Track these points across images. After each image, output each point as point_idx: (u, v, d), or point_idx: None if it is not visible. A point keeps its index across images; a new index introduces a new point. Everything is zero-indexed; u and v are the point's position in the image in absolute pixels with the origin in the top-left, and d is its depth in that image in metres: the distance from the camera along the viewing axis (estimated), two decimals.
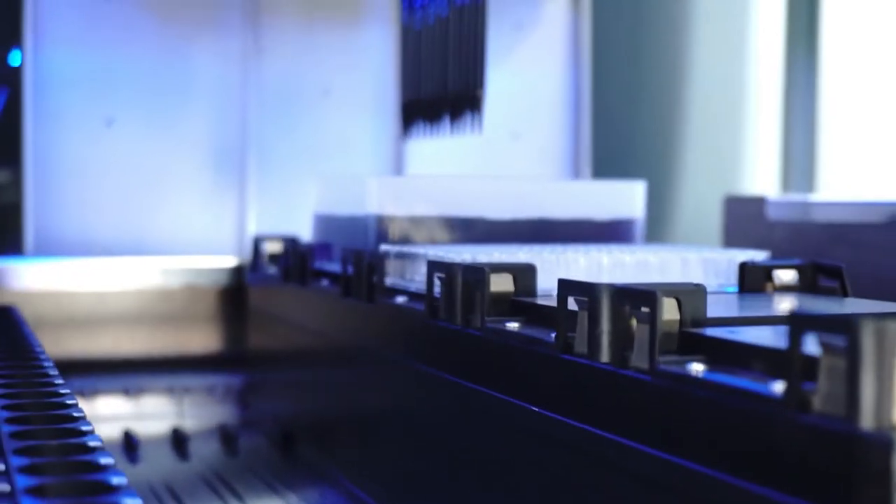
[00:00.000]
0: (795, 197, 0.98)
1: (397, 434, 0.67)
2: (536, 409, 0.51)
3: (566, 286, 0.50)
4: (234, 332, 1.05)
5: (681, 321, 0.45)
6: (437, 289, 0.62)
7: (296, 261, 0.85)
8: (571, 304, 0.50)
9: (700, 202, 1.38)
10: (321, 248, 0.85)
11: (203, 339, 1.06)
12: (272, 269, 0.96)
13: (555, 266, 0.64)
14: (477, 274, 0.58)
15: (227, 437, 0.93)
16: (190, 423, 0.98)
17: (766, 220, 0.94)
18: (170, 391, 1.01)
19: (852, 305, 0.59)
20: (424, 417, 0.63)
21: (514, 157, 1.16)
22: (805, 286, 0.65)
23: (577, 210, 0.81)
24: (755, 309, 0.58)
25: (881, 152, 1.33)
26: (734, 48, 1.41)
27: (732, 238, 0.97)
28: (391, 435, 0.68)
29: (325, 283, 0.83)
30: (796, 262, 0.65)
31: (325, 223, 0.87)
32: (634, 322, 0.46)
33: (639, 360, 0.45)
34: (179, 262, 1.06)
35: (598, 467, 0.46)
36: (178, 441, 0.93)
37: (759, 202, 0.95)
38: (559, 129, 1.20)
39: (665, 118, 1.42)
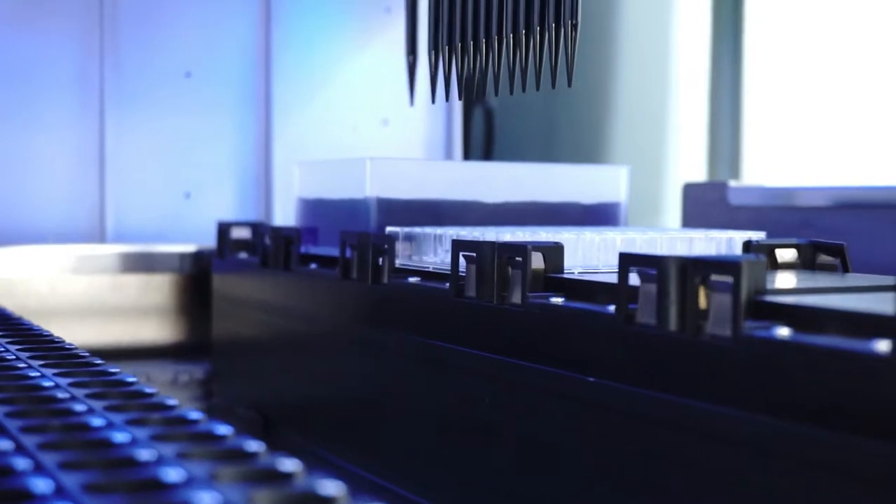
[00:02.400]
0: (756, 183, 1.03)
1: (422, 419, 0.68)
2: (594, 380, 0.54)
3: (629, 259, 0.52)
4: (195, 321, 1.05)
5: (750, 290, 0.48)
6: (462, 268, 0.64)
7: (278, 245, 0.86)
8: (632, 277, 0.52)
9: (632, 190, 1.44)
10: (307, 233, 0.86)
11: (161, 328, 1.05)
12: (243, 255, 0.96)
13: (573, 245, 0.67)
14: (516, 252, 0.60)
15: None
16: None
17: (727, 204, 0.99)
18: None
19: (855, 280, 0.64)
20: (453, 398, 0.65)
21: (384, 142, 1.19)
22: (805, 264, 0.69)
23: (565, 193, 0.84)
24: (789, 282, 0.61)
25: (805, 140, 1.40)
26: (659, 38, 1.47)
27: (692, 222, 1.01)
28: (414, 421, 0.69)
29: (314, 266, 0.84)
30: (796, 241, 0.69)
31: (312, 208, 0.88)
32: (702, 292, 0.49)
33: (717, 327, 0.48)
34: (133, 249, 1.05)
35: (672, 433, 0.49)
36: None
37: (719, 188, 1.00)
38: (431, 114, 1.24)
39: (586, 105, 1.46)
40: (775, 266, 0.69)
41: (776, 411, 0.44)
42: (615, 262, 0.68)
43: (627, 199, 0.86)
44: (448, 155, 1.21)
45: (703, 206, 1.01)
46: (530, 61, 0.68)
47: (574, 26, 0.63)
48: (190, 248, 1.06)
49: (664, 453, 0.49)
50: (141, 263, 1.05)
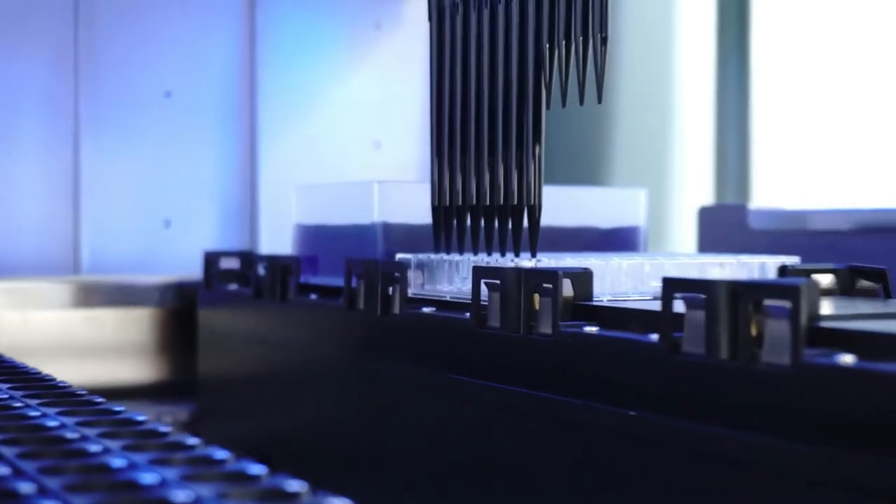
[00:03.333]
0: (776, 205, 1.04)
1: (443, 462, 0.68)
2: (635, 413, 0.54)
3: (673, 284, 0.53)
4: (179, 358, 1.04)
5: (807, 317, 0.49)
6: (483, 296, 0.65)
7: (274, 275, 0.86)
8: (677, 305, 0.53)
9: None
10: (306, 261, 0.86)
11: (140, 368, 1.05)
12: (233, 286, 0.96)
13: (601, 271, 0.67)
14: (545, 278, 0.61)
15: None
16: None
17: (746, 228, 1.00)
18: None
19: None
20: (477, 436, 0.65)
21: (375, 166, 1.21)
22: (843, 290, 0.70)
23: (580, 217, 0.84)
24: (833, 308, 0.62)
25: (818, 159, 1.42)
26: (661, 53, 1.49)
27: (709, 247, 1.03)
28: (433, 465, 0.69)
29: (313, 297, 0.84)
30: (833, 265, 0.71)
31: (311, 235, 0.88)
32: (753, 318, 0.50)
33: (774, 355, 0.48)
34: (110, 281, 1.05)
35: (725, 468, 0.49)
36: None
37: (737, 210, 1.01)
38: (424, 136, 1.26)
39: (584, 124, 1.48)
40: None
41: (839, 443, 0.44)
42: (645, 288, 0.69)
43: (647, 224, 0.87)
44: None
45: (720, 229, 1.02)
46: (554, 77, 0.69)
47: (604, 40, 0.64)
48: (171, 279, 1.06)
49: (717, 490, 0.50)
50: (118, 297, 1.05)
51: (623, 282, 0.68)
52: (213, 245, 1.13)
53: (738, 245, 0.99)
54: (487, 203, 0.72)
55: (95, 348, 1.04)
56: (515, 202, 0.71)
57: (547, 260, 0.69)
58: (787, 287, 0.48)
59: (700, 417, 0.51)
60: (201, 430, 1.00)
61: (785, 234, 0.98)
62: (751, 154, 1.48)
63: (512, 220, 0.72)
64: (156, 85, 1.16)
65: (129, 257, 1.15)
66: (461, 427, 0.67)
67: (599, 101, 0.70)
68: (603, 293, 0.67)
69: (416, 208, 0.80)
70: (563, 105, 0.77)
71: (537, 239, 0.70)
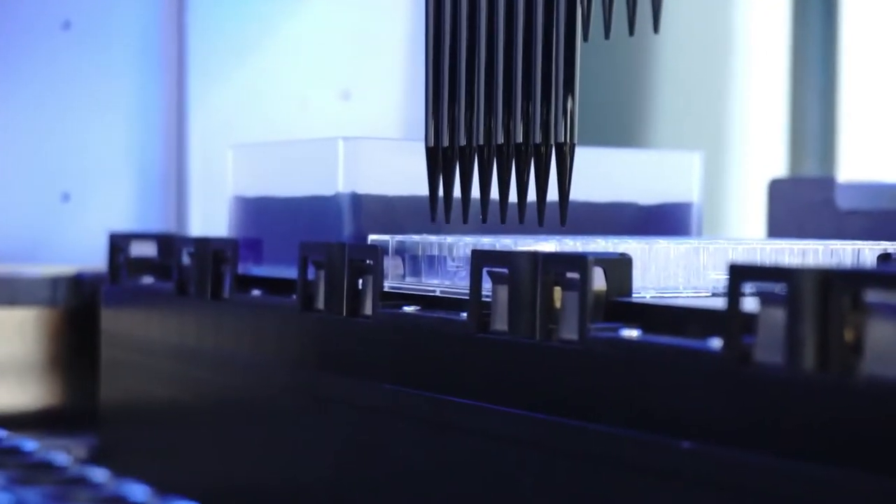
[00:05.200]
0: (875, 179, 1.04)
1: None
2: (689, 446, 0.54)
3: (743, 272, 0.52)
4: (74, 375, 1.04)
5: None
6: (486, 290, 0.64)
7: (203, 264, 0.86)
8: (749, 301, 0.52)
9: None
10: (247, 246, 0.86)
11: (23, 388, 1.04)
12: (148, 280, 0.96)
13: (643, 258, 0.67)
14: (570, 266, 0.60)
15: None
16: None
17: (834, 207, 1.00)
18: None
19: None
20: (477, 475, 0.65)
21: (344, 122, 1.21)
22: None
23: (614, 189, 0.84)
24: None
25: None
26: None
27: (782, 230, 1.03)
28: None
29: (256, 294, 0.83)
30: None
31: (254, 210, 0.88)
32: (852, 317, 0.49)
33: (879, 365, 0.48)
34: None
35: None
36: None
37: (823, 184, 1.01)
38: (406, 84, 1.25)
39: (620, 74, 1.48)
40: None
41: None
42: (702, 281, 0.69)
43: (702, 198, 0.87)
44: None
45: (799, 208, 1.02)
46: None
47: None
48: (66, 270, 1.05)
49: None
50: None
51: (672, 272, 0.67)
52: (128, 225, 1.13)
53: (823, 228, 0.99)
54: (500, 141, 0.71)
55: None
56: (539, 139, 0.70)
57: (572, 243, 0.68)
58: (894, 277, 0.47)
59: (782, 450, 0.50)
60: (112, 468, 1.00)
61: (885, 215, 0.98)
62: (838, 115, 1.48)
63: (536, 164, 0.71)
64: (51, 13, 1.15)
65: (15, 242, 1.14)
66: (456, 466, 0.66)
67: (656, 30, 0.69)
68: (646, 287, 0.66)
69: (395, 174, 0.79)
70: (607, 36, 0.76)
71: (568, 195, 0.69)
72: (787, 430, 0.50)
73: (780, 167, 1.46)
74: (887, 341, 0.48)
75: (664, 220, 0.86)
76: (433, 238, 0.72)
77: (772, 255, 0.71)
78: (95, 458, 1.01)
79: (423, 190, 0.80)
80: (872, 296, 0.49)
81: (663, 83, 1.47)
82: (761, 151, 1.49)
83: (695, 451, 0.54)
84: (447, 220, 0.74)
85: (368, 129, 1.21)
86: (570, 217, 0.80)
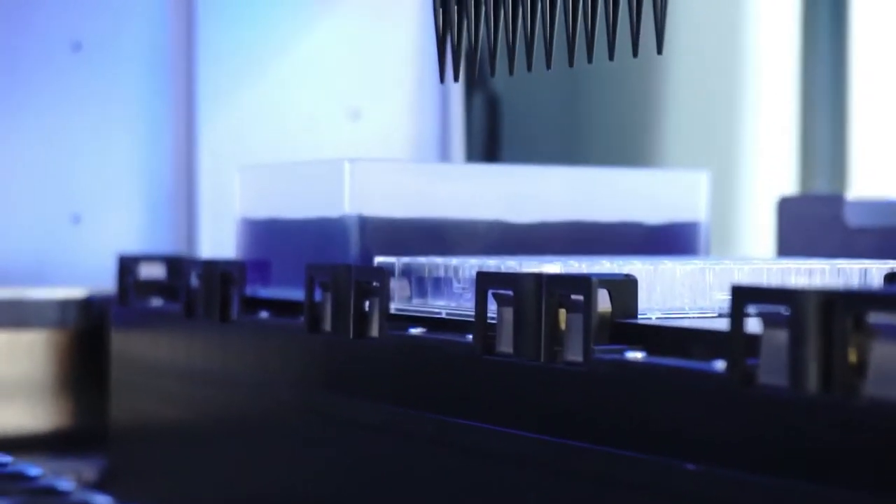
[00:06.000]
0: (886, 196, 1.04)
1: None
2: (695, 468, 0.54)
3: (745, 294, 0.52)
4: (85, 397, 1.04)
5: None
6: (491, 312, 0.64)
7: (211, 286, 0.86)
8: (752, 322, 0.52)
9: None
10: (254, 268, 0.86)
11: (33, 410, 1.04)
12: (156, 301, 0.96)
13: (649, 279, 0.67)
14: (574, 287, 0.60)
15: None
16: None
17: (843, 225, 0.99)
18: None
19: None
20: (483, 498, 0.65)
21: (354, 142, 1.20)
22: None
23: (621, 209, 0.84)
24: None
25: None
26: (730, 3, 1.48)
27: (791, 247, 1.02)
28: None
29: (264, 315, 0.84)
30: None
31: (261, 232, 0.88)
32: (854, 340, 0.49)
33: (882, 386, 0.48)
34: None
35: None
36: None
37: (832, 202, 1.01)
38: (417, 104, 1.25)
39: (626, 91, 1.47)
40: None
41: None
42: (708, 302, 0.69)
43: (709, 218, 0.87)
44: (444, 159, 1.22)
45: (808, 226, 1.02)
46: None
47: None
48: (75, 293, 1.05)
49: None
50: (4, 316, 1.05)
51: (678, 293, 0.67)
52: (138, 247, 1.13)
53: (832, 247, 0.99)
54: None
55: None
56: None
57: (577, 265, 0.68)
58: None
59: (784, 471, 0.50)
60: (113, 494, 1.00)
61: (895, 232, 0.98)
62: (849, 131, 1.48)
63: None
64: (61, 35, 1.16)
65: (25, 264, 1.14)
66: (460, 487, 0.66)
67: (659, 51, 0.70)
68: (651, 308, 0.66)
69: (402, 196, 0.79)
70: (611, 57, 0.77)
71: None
72: (791, 452, 0.50)
73: (790, 185, 1.46)
74: (890, 362, 0.48)
75: (672, 240, 0.86)
76: (439, 260, 0.72)
77: (778, 275, 0.71)
78: (105, 480, 1.01)
79: (429, 211, 0.80)
80: (876, 317, 0.49)
81: (673, 102, 1.47)
82: (772, 169, 1.48)
83: (699, 472, 0.54)
84: (455, 79, 0.73)
85: (377, 148, 1.21)
86: (576, 236, 0.81)
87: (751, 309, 0.52)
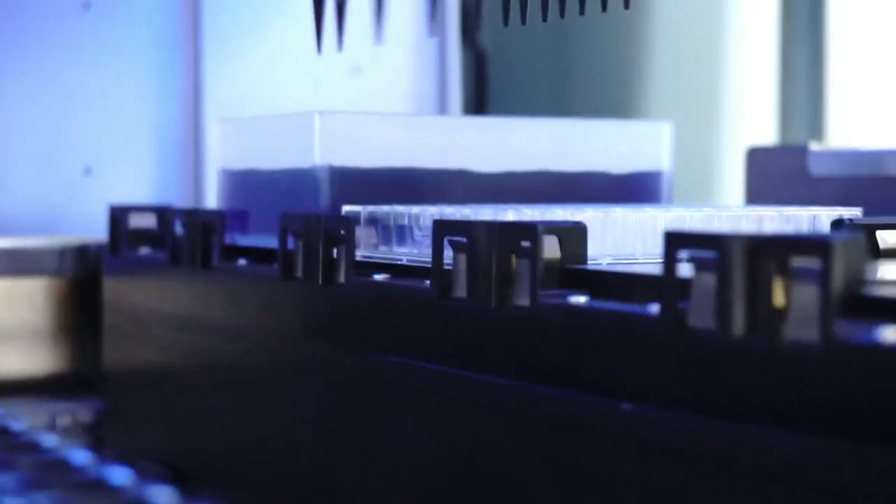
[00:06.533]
0: (847, 146, 1.03)
1: (397, 471, 0.68)
2: (629, 408, 0.54)
3: (677, 239, 0.52)
4: (80, 342, 1.04)
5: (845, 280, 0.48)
6: (448, 259, 0.64)
7: (193, 234, 0.86)
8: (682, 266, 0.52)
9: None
10: (233, 217, 0.86)
11: (32, 354, 1.05)
12: (144, 250, 0.96)
13: (600, 227, 0.67)
14: (521, 235, 0.60)
15: None
16: None
17: (807, 175, 0.99)
18: None
19: None
20: (440, 438, 0.65)
21: (355, 97, 1.20)
22: None
23: (587, 159, 0.84)
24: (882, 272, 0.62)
25: None
26: None
27: (760, 198, 1.02)
28: (385, 474, 0.69)
29: (242, 263, 0.84)
30: None
31: (239, 182, 0.88)
32: (780, 283, 0.49)
33: (801, 330, 0.48)
34: None
35: (745, 475, 0.49)
36: None
37: (797, 152, 1.00)
38: (415, 58, 1.24)
39: (611, 45, 1.47)
40: (877, 253, 0.69)
41: (886, 443, 0.44)
42: (657, 249, 0.68)
43: (672, 167, 0.86)
44: (442, 112, 1.21)
45: (775, 176, 1.01)
46: None
47: None
48: (72, 241, 1.06)
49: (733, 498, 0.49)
50: (4, 264, 1.05)
51: (630, 240, 0.67)
52: (148, 198, 1.13)
53: (797, 195, 0.99)
54: None
55: None
56: None
57: (530, 213, 0.68)
58: (817, 242, 0.47)
59: (711, 410, 0.50)
60: (107, 435, 1.00)
61: (858, 182, 0.97)
62: (826, 83, 1.47)
63: None
64: None
65: (38, 215, 1.14)
66: (422, 429, 0.66)
67: (626, 5, 0.69)
68: (603, 255, 0.66)
69: (372, 147, 0.79)
70: (581, 12, 0.76)
71: None
72: (719, 393, 0.50)
73: (769, 136, 1.46)
74: (809, 305, 0.47)
75: (636, 189, 0.86)
76: (401, 209, 0.72)
77: (727, 222, 0.70)
78: (98, 423, 1.01)
79: (399, 162, 0.80)
80: (799, 261, 0.48)
81: (655, 55, 1.47)
82: (752, 120, 1.48)
83: (634, 413, 0.54)
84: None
85: (379, 103, 1.21)
86: (543, 185, 0.81)
87: (682, 253, 0.52)
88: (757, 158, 1.04)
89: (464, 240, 0.63)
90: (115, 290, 0.99)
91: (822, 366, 0.46)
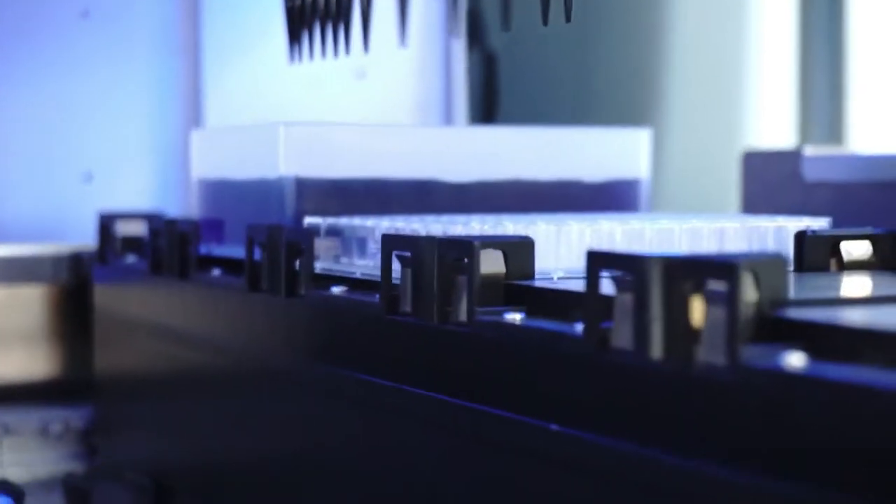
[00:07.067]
0: (842, 150, 1.01)
1: (349, 476, 0.68)
2: (557, 429, 0.53)
3: (599, 259, 0.51)
4: (72, 349, 1.04)
5: (759, 302, 0.47)
6: (396, 273, 0.63)
7: (171, 244, 0.85)
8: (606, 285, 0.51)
9: (691, 159, 1.42)
10: (209, 226, 0.85)
11: (25, 360, 1.05)
12: (131, 258, 0.96)
13: (553, 240, 0.66)
14: (460, 250, 0.59)
15: (74, 490, 0.93)
16: (16, 474, 0.98)
17: (801, 180, 0.97)
18: None
19: None
20: (385, 451, 0.64)
21: (358, 102, 1.19)
22: (882, 262, 0.68)
23: (561, 169, 0.82)
24: (831, 290, 0.60)
25: None
26: None
27: (755, 203, 1.00)
28: (340, 478, 0.69)
29: (216, 273, 0.83)
30: (871, 230, 0.68)
31: (213, 192, 0.88)
32: (699, 304, 0.48)
33: (711, 353, 0.46)
34: None
35: (659, 500, 0.48)
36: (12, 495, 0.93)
37: (791, 157, 0.98)
38: (420, 63, 1.23)
39: (632, 48, 1.45)
40: (841, 265, 0.68)
41: (788, 475, 0.42)
42: None
43: (650, 175, 0.85)
44: (448, 120, 1.20)
45: (769, 181, 0.99)
46: None
47: None
48: (65, 249, 1.06)
49: None
50: (1, 271, 1.05)
51: (580, 254, 0.66)
52: (149, 203, 1.13)
53: (791, 201, 0.96)
54: None
55: None
56: None
57: (480, 225, 0.67)
58: (723, 264, 0.46)
59: (630, 435, 0.49)
60: (99, 443, 1.00)
61: (853, 187, 0.95)
62: (847, 85, 1.44)
63: None
64: (69, 2, 1.16)
65: (37, 222, 1.14)
66: (372, 443, 0.66)
67: (568, 18, 0.68)
68: (555, 269, 0.65)
69: (339, 157, 0.79)
70: (545, 22, 0.75)
71: None
72: (638, 416, 0.49)
73: (790, 140, 1.43)
74: (718, 329, 0.46)
75: (613, 198, 0.84)
76: (357, 221, 0.71)
77: (689, 235, 0.69)
78: (91, 430, 1.01)
79: (367, 172, 0.79)
80: (714, 283, 0.47)
81: (675, 59, 1.45)
82: (775, 124, 1.46)
83: (561, 434, 0.53)
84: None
85: (383, 107, 1.20)
86: (515, 195, 0.79)
87: (605, 274, 0.51)
88: (752, 163, 1.02)
89: (408, 254, 0.62)
90: (105, 297, 0.99)
91: (728, 390, 0.45)
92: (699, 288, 0.48)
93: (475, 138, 0.83)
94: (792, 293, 0.56)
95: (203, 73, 1.18)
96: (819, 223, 0.71)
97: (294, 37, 0.74)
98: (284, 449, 0.74)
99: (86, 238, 1.12)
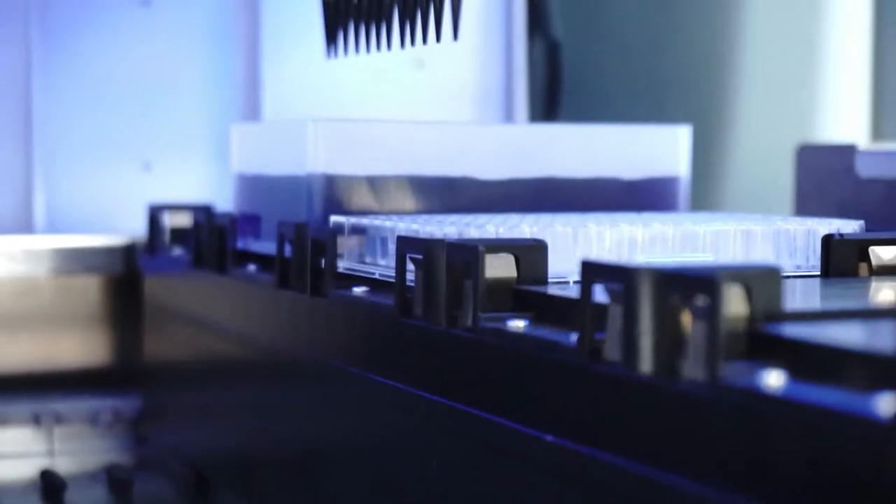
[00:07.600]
0: None
1: (356, 473, 0.68)
2: (550, 439, 0.52)
3: (592, 269, 0.50)
4: (124, 338, 1.05)
5: (750, 316, 0.46)
6: (410, 275, 0.63)
7: (210, 238, 0.86)
8: (601, 294, 0.50)
9: (756, 154, 1.40)
10: (246, 221, 0.85)
11: (79, 349, 1.06)
12: (177, 251, 0.96)
13: (571, 243, 0.65)
14: (466, 254, 0.58)
15: (116, 482, 0.94)
16: (65, 465, 0.98)
17: (855, 176, 0.95)
18: (35, 421, 1.01)
19: None
20: (392, 450, 0.64)
21: (416, 92, 1.18)
22: None
23: (597, 166, 0.81)
24: (846, 298, 0.59)
25: None
26: None
27: (809, 201, 0.98)
28: (348, 474, 0.68)
29: (251, 268, 0.83)
30: None
31: (250, 187, 0.88)
32: (688, 317, 0.47)
33: (694, 369, 0.45)
34: (44, 241, 1.06)
35: None
36: (50, 489, 0.93)
37: (846, 152, 0.96)
38: (479, 52, 1.22)
39: (709, 38, 1.43)
40: (871, 270, 0.66)
41: (762, 496, 0.41)
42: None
43: (689, 173, 0.83)
44: (508, 110, 1.19)
45: (822, 176, 0.97)
46: None
47: None
48: (119, 240, 1.06)
49: None
50: (59, 261, 1.06)
51: (605, 257, 0.65)
52: (206, 194, 1.13)
53: (843, 197, 0.95)
54: None
55: (30, 324, 1.05)
56: None
57: (494, 227, 0.66)
58: (705, 279, 0.45)
59: (621, 449, 0.48)
60: (147, 432, 1.01)
61: None
62: None
63: None
64: None
65: (97, 211, 1.15)
66: (384, 439, 0.65)
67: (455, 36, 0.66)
68: (574, 273, 0.64)
69: (369, 153, 0.78)
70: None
71: None
72: (627, 430, 0.48)
73: (863, 136, 1.40)
74: (701, 343, 0.45)
75: (652, 196, 0.83)
76: (380, 220, 0.71)
77: (710, 238, 0.67)
78: (139, 419, 1.02)
79: (397, 169, 0.79)
80: (701, 297, 0.46)
81: (749, 50, 1.42)
82: (849, 119, 1.42)
83: (556, 445, 0.52)
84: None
85: (442, 97, 1.19)
86: (549, 193, 0.78)
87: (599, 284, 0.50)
88: (806, 157, 1.00)
89: (420, 256, 0.61)
90: (154, 288, 1.00)
91: (706, 407, 0.44)
92: (688, 301, 0.47)
93: (508, 135, 0.82)
94: (800, 303, 0.55)
95: (261, 64, 1.18)
96: (851, 226, 0.69)
97: (331, 32, 0.73)
98: (313, 443, 0.74)
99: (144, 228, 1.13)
